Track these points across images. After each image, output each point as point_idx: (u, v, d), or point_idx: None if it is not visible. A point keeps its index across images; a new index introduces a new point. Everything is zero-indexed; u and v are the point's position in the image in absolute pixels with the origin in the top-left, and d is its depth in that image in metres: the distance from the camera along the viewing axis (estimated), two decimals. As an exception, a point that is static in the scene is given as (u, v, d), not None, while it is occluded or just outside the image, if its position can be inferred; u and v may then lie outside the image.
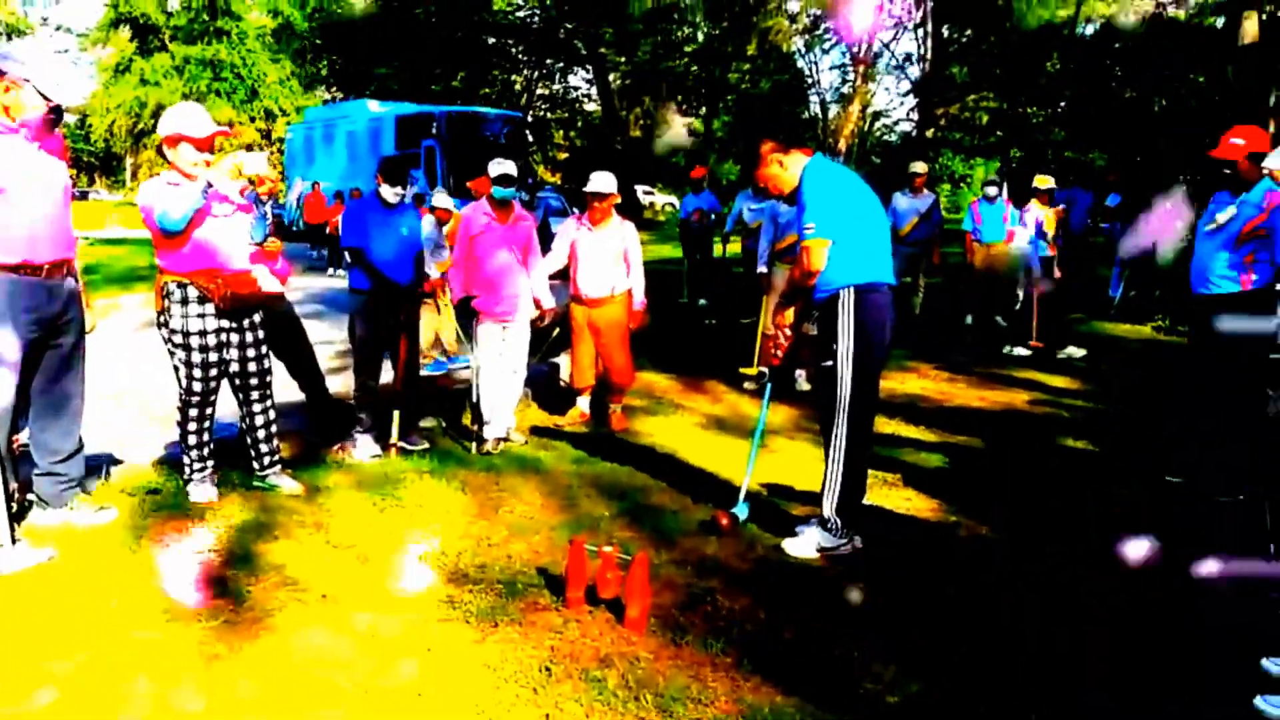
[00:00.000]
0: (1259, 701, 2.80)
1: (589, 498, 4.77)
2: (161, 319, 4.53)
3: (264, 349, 4.66)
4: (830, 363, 3.91)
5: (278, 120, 46.59)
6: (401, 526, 4.34)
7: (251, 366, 4.59)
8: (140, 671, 3.01)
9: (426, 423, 6.09)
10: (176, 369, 4.54)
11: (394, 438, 5.54)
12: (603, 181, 5.96)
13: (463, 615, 3.44)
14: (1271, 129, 12.15)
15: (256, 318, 4.62)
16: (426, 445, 5.64)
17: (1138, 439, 5.98)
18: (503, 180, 5.55)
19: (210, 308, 4.39)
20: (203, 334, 4.40)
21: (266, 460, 4.75)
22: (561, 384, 7.03)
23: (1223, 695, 2.89)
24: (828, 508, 3.95)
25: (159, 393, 6.98)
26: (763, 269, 7.31)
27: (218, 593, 3.59)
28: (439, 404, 6.62)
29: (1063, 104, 23.31)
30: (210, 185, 4.25)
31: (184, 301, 4.37)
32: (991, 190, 10.68)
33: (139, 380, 7.17)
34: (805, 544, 3.99)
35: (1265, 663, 3.03)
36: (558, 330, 6.46)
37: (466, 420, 6.02)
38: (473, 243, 5.61)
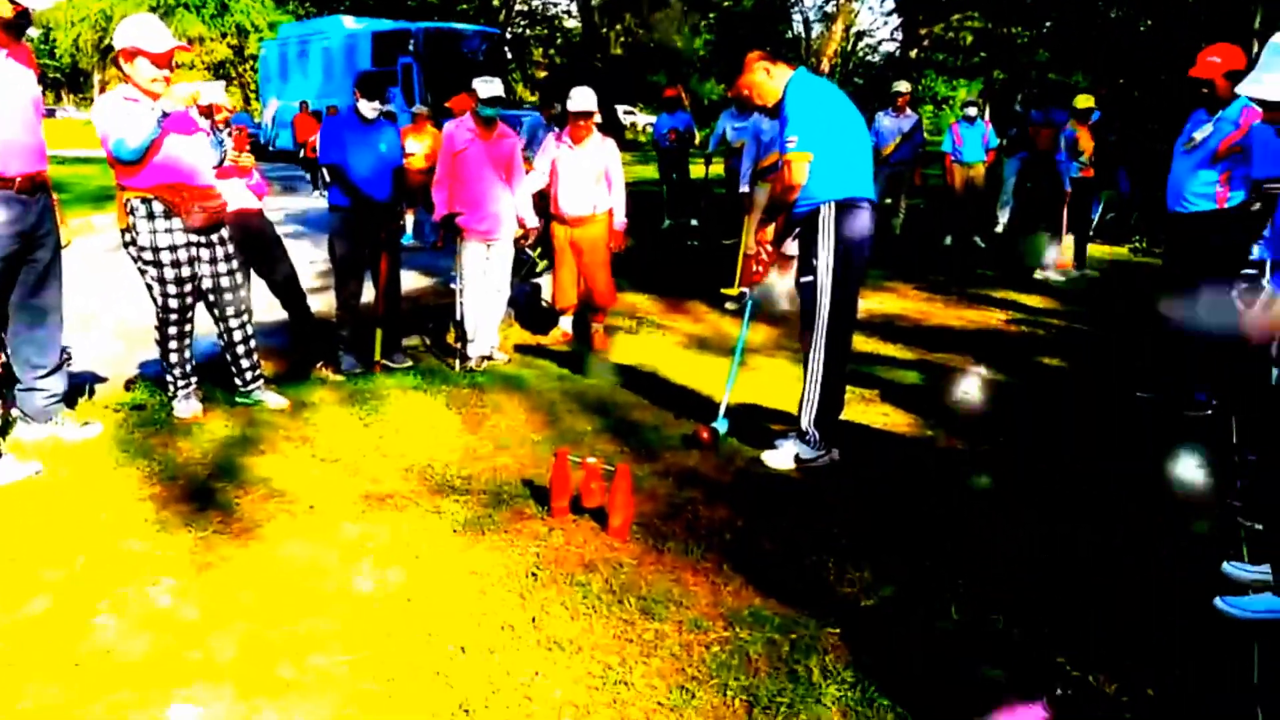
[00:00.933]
0: (1219, 602, 2.93)
1: (572, 413, 4.83)
2: (128, 237, 4.45)
3: (235, 265, 4.60)
4: (810, 277, 3.93)
5: (250, 37, 45.25)
6: (387, 440, 4.39)
7: (224, 282, 4.54)
8: (132, 580, 3.07)
9: (410, 340, 6.11)
10: (150, 287, 4.50)
11: (377, 355, 5.56)
12: (583, 99, 5.88)
13: (449, 524, 3.51)
14: (1255, 50, 12.07)
15: (225, 233, 4.55)
16: (410, 363, 5.66)
17: (1111, 358, 6.09)
18: (492, 101, 5.49)
19: (177, 223, 4.31)
20: (172, 248, 4.33)
21: (249, 376, 4.76)
22: (543, 304, 7.04)
23: (1185, 596, 3.02)
24: (805, 420, 4.02)
25: (135, 312, 6.94)
26: (745, 188, 7.28)
27: (206, 504, 3.64)
28: (422, 321, 6.63)
29: (1048, 24, 22.99)
30: (165, 113, 4.08)
31: (149, 216, 4.28)
32: (971, 111, 10.65)
33: (114, 300, 7.11)
34: (783, 456, 4.07)
35: (1226, 566, 3.16)
36: (540, 249, 6.44)
37: (450, 339, 6.04)
38: (456, 160, 5.55)
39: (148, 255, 4.35)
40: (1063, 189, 9.07)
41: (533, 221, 5.91)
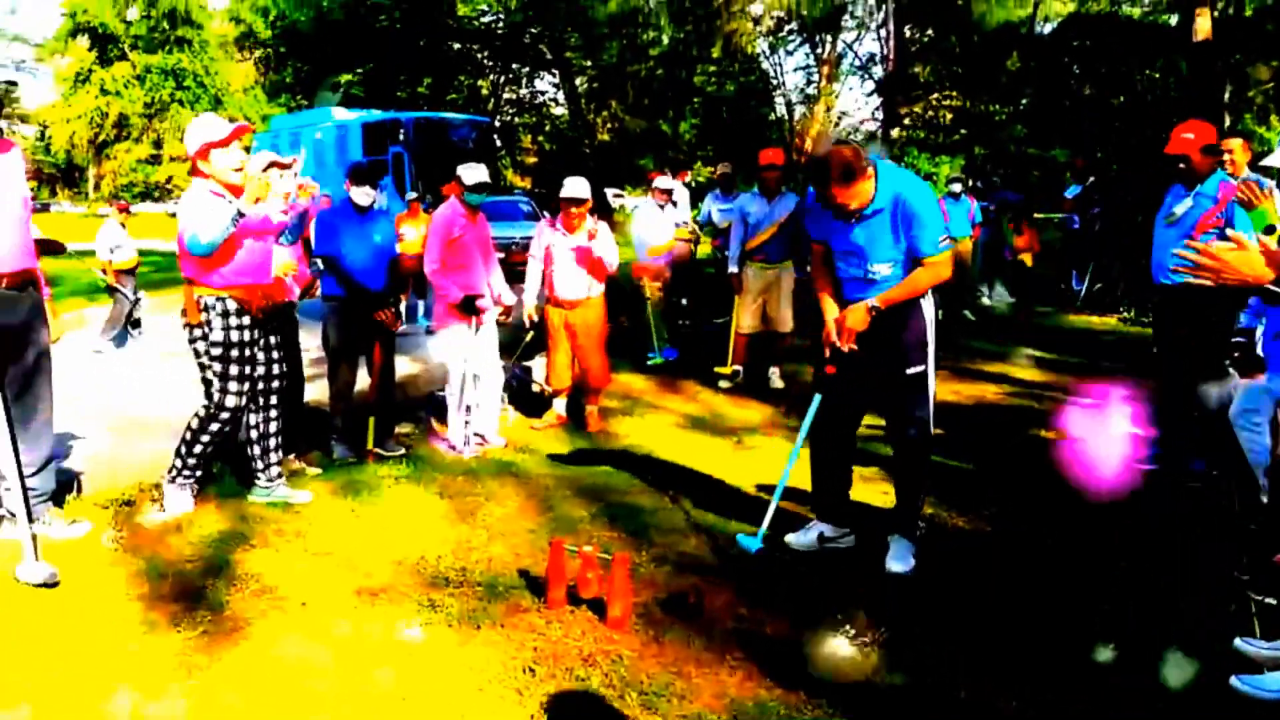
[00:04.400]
0: (1235, 681, 2.86)
1: (567, 499, 4.78)
2: (198, 332, 4.40)
3: (284, 353, 4.67)
4: (920, 368, 3.74)
5: (243, 130, 46.07)
6: (380, 532, 4.32)
7: (275, 369, 4.60)
8: (120, 683, 2.98)
9: (403, 428, 6.07)
10: (209, 383, 4.45)
11: (370, 444, 5.51)
12: (577, 187, 5.97)
13: (444, 619, 3.44)
14: (1227, 122, 12.39)
15: (279, 333, 4.65)
16: (403, 451, 5.62)
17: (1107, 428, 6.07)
18: (478, 188, 5.58)
19: (248, 319, 4.38)
20: (242, 345, 4.38)
21: (275, 471, 4.69)
22: (535, 388, 7.02)
23: (1202, 675, 2.95)
24: (913, 527, 3.92)
25: (124, 405, 6.91)
26: (734, 269, 7.35)
27: (196, 603, 3.56)
28: (415, 409, 6.60)
29: (1024, 101, 23.64)
30: (241, 214, 4.17)
31: (225, 314, 4.33)
32: (956, 188, 10.86)
33: (105, 393, 7.09)
34: (905, 558, 3.85)
35: (1238, 642, 3.10)
36: (532, 333, 6.45)
37: (442, 429, 5.99)
38: (453, 246, 5.61)
39: (217, 351, 4.36)
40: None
41: (510, 299, 5.96)
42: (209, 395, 4.47)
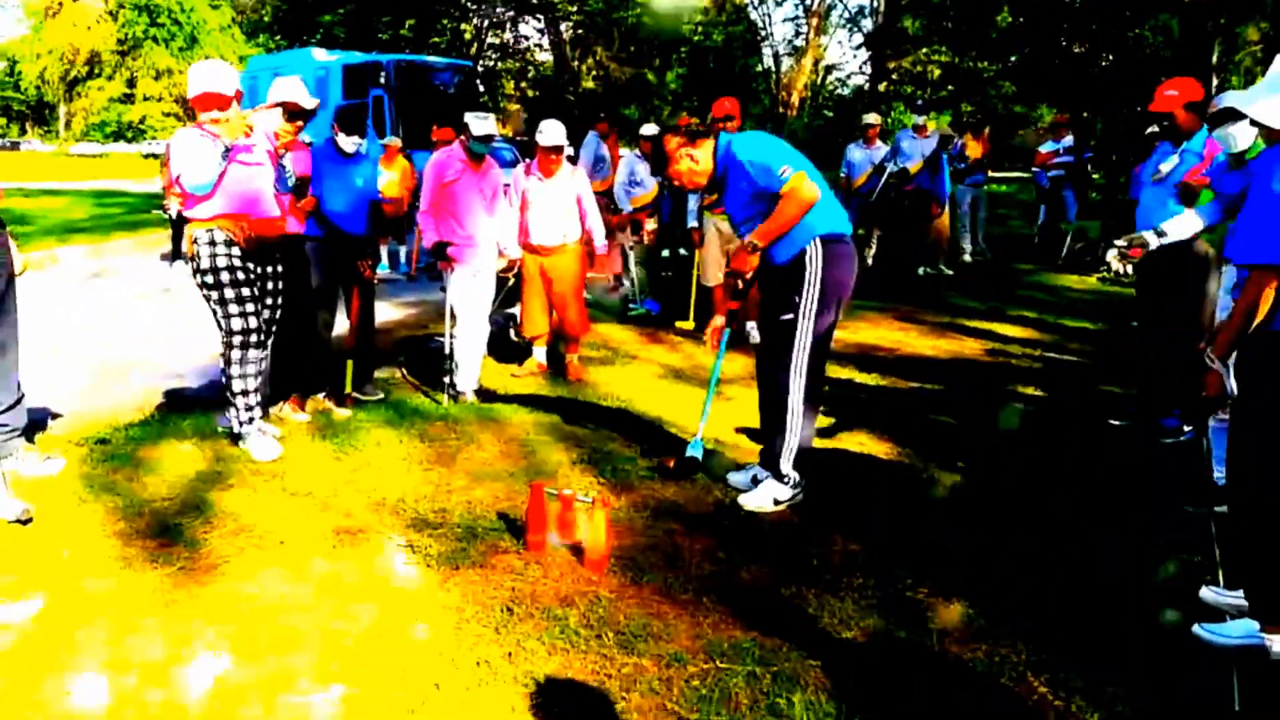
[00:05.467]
0: (1197, 629, 2.92)
1: (547, 445, 4.78)
2: (192, 264, 4.42)
3: (280, 298, 4.66)
4: (790, 315, 3.86)
5: (219, 69, 45.12)
6: (360, 474, 4.32)
7: (266, 314, 4.57)
8: (97, 617, 2.98)
9: (382, 373, 6.04)
10: (214, 312, 4.46)
11: (348, 388, 5.48)
12: (553, 134, 5.89)
13: (423, 559, 3.45)
14: (1214, 84, 12.36)
15: (279, 266, 4.64)
16: (381, 395, 5.59)
17: (1084, 385, 6.14)
18: (485, 139, 5.51)
19: (237, 249, 4.37)
20: (231, 269, 4.36)
21: (246, 415, 4.56)
22: (514, 339, 6.98)
23: (1164, 626, 3.01)
24: (786, 463, 3.95)
25: (98, 345, 6.84)
26: (693, 224, 7.31)
27: (173, 541, 3.56)
28: (394, 354, 6.57)
29: (1013, 58, 23.47)
30: (228, 147, 4.21)
31: (211, 243, 4.33)
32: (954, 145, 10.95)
33: (76, 333, 7.01)
34: (761, 497, 3.99)
35: (1203, 592, 3.17)
36: (513, 280, 6.41)
37: (419, 379, 5.95)
38: (445, 190, 5.54)
39: (209, 279, 4.36)
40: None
41: (515, 252, 5.91)
42: (220, 327, 4.47)
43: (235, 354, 4.44)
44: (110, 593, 3.16)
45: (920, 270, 10.67)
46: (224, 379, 4.50)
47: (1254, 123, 2.94)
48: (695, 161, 3.96)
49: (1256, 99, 2.87)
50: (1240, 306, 2.81)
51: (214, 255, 4.33)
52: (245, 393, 4.50)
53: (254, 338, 4.47)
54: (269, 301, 4.62)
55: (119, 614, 3.02)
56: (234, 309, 4.40)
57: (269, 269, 4.59)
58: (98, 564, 3.36)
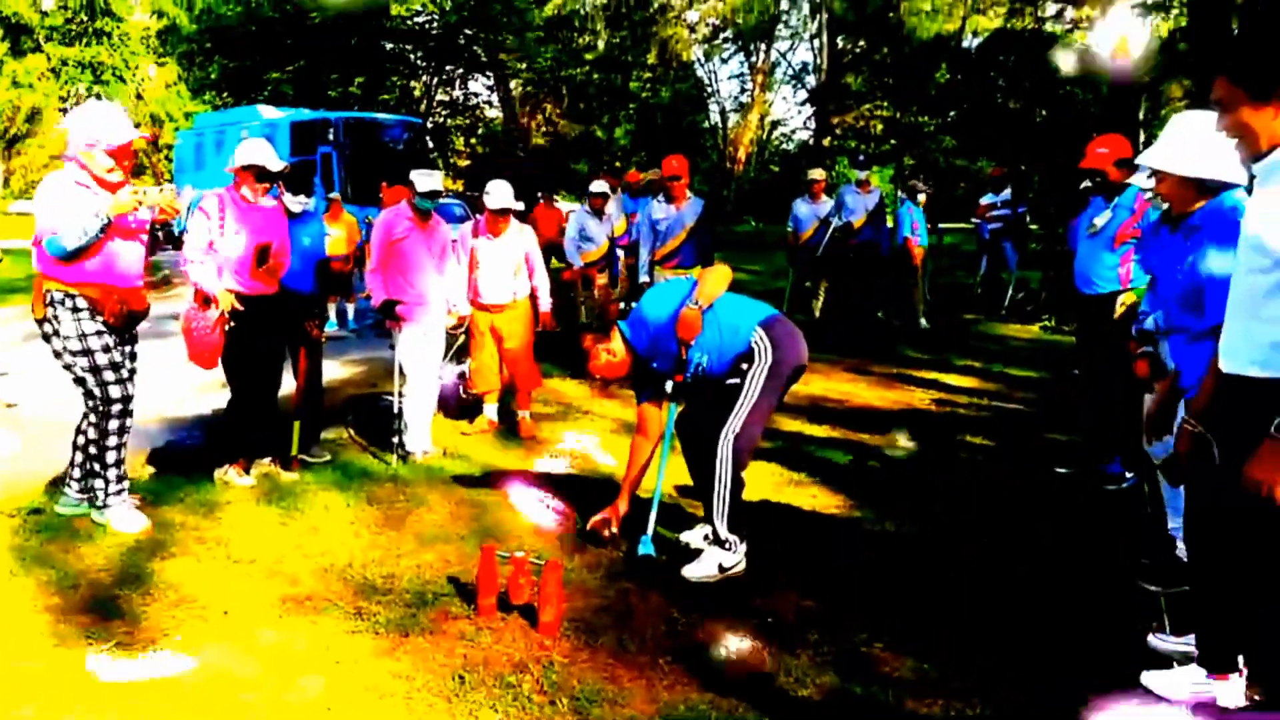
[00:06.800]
0: (1146, 677, 2.95)
1: (498, 506, 4.72)
2: (48, 329, 4.14)
3: (135, 369, 4.40)
4: (736, 380, 3.85)
5: (165, 126, 44.82)
6: (307, 539, 4.22)
7: (130, 389, 4.29)
8: (27, 703, 2.85)
9: (329, 434, 5.94)
10: (82, 380, 4.16)
11: (294, 450, 5.38)
12: (500, 196, 5.90)
13: (371, 627, 3.37)
14: (1141, 139, 12.85)
15: (136, 340, 4.38)
16: (329, 457, 5.50)
17: (1029, 433, 6.24)
18: (431, 195, 5.52)
19: (100, 321, 4.11)
20: (100, 334, 4.11)
21: (115, 488, 4.32)
22: (463, 396, 6.91)
23: (1115, 672, 3.03)
24: (723, 528, 3.86)
25: (35, 408, 6.64)
26: (644, 278, 7.33)
27: (110, 615, 3.43)
28: (342, 414, 6.47)
29: (952, 114, 24.23)
30: (109, 220, 3.94)
31: (75, 310, 4.07)
32: (921, 198, 11.33)
33: (10, 396, 6.80)
34: (706, 567, 3.87)
35: (1151, 639, 3.20)
36: (463, 337, 6.38)
37: (367, 439, 5.87)
38: (393, 248, 5.52)
39: (74, 344, 4.08)
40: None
41: (464, 309, 5.89)
42: (90, 396, 4.19)
43: (113, 424, 4.18)
44: (40, 673, 3.03)
45: (879, 314, 10.93)
46: (95, 451, 4.23)
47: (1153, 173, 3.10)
48: (613, 355, 4.09)
49: (1151, 150, 3.04)
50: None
51: (79, 321, 4.07)
52: (119, 463, 4.28)
53: (130, 405, 4.25)
54: (132, 367, 4.35)
55: (49, 698, 2.89)
56: (109, 375, 4.14)
57: (126, 341, 4.31)
58: (28, 643, 3.22)
